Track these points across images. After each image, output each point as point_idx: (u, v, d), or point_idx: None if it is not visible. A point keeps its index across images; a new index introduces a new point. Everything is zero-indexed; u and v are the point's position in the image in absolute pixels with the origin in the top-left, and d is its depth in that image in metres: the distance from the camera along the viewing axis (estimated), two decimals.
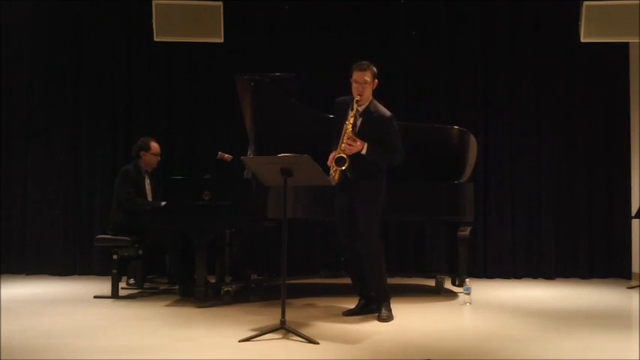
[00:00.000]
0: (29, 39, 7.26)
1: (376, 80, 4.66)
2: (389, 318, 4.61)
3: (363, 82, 4.57)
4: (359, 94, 4.55)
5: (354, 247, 4.74)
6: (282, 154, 4.12)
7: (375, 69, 4.64)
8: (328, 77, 6.81)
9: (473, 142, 5.91)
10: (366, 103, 4.64)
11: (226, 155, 5.85)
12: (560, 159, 7.14)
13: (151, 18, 6.44)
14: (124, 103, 7.21)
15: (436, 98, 7.22)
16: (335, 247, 6.93)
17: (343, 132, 4.52)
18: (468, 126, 6.12)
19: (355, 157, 4.49)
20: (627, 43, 7.01)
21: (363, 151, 4.51)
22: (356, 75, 4.60)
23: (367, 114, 4.63)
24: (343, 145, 4.49)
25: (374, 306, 4.78)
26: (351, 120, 4.54)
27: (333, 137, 4.69)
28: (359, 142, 4.50)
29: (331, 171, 4.51)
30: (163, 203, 5.32)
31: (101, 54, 7.22)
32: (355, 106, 4.55)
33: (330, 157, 4.55)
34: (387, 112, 4.66)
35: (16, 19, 7.23)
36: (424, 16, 7.22)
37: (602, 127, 7.15)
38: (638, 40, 6.58)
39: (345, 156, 4.47)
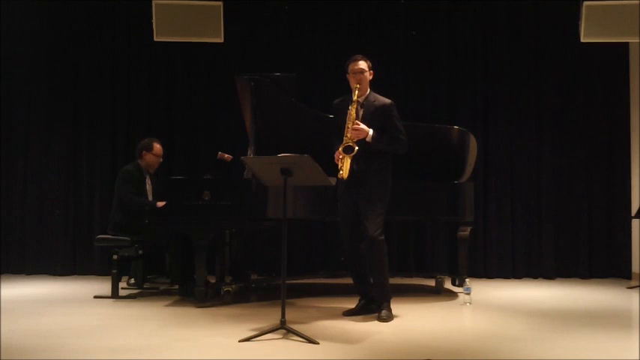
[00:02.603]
0: (29, 39, 7.26)
1: (372, 71, 4.69)
2: (389, 318, 4.60)
3: (360, 72, 4.62)
4: (358, 83, 4.58)
5: (357, 247, 4.74)
6: (282, 154, 4.11)
7: (369, 61, 4.69)
8: (328, 77, 6.83)
9: (473, 142, 5.91)
10: (365, 94, 4.67)
11: (226, 155, 5.85)
12: (560, 159, 7.14)
13: (151, 18, 6.44)
14: (124, 104, 7.21)
15: (436, 98, 7.22)
16: (335, 247, 6.99)
17: (347, 119, 4.52)
18: (467, 126, 6.12)
19: (362, 148, 4.46)
20: (627, 43, 7.01)
21: (368, 138, 4.50)
22: (352, 66, 4.66)
23: (367, 104, 4.66)
24: (349, 133, 4.49)
25: (374, 306, 4.78)
26: (355, 106, 4.55)
27: (334, 139, 4.69)
28: (364, 127, 4.50)
29: (339, 165, 4.48)
30: (161, 204, 5.33)
31: (101, 54, 7.22)
32: (355, 96, 4.55)
33: (336, 154, 4.53)
34: (387, 100, 4.69)
35: (16, 19, 7.24)
36: (424, 16, 7.23)
37: (602, 127, 7.15)
38: (638, 40, 6.58)
39: (352, 144, 4.46)
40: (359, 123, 4.51)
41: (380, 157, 4.63)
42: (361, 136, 4.49)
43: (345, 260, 4.89)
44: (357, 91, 4.57)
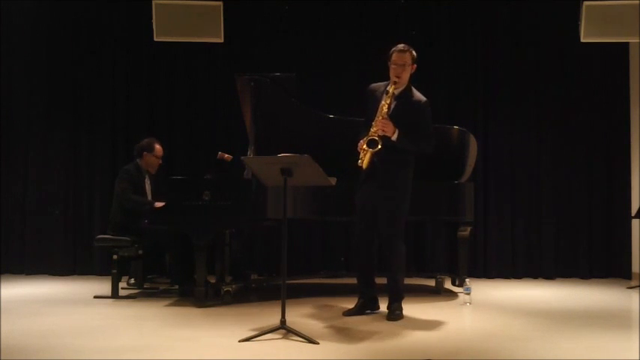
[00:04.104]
0: (29, 39, 7.25)
1: (415, 65, 4.61)
2: (398, 317, 4.58)
3: (402, 65, 4.54)
4: (397, 77, 4.51)
5: (370, 244, 4.69)
6: (282, 154, 4.12)
7: (414, 53, 4.60)
8: (328, 77, 6.83)
9: (473, 142, 5.91)
10: (403, 87, 4.60)
11: (226, 155, 5.85)
12: (560, 159, 7.14)
13: (151, 18, 6.44)
14: (123, 104, 7.21)
15: (436, 98, 7.19)
16: (335, 247, 6.99)
17: (378, 113, 4.47)
18: (467, 126, 6.11)
19: (386, 144, 4.41)
20: (627, 43, 7.01)
21: (394, 137, 4.45)
22: (396, 57, 4.56)
23: (403, 98, 4.58)
24: (375, 127, 4.43)
25: (375, 305, 4.78)
26: (387, 101, 4.50)
27: (362, 125, 4.62)
28: (392, 125, 4.44)
29: (361, 154, 4.45)
30: (161, 204, 5.33)
31: (101, 54, 7.22)
32: (392, 89, 4.51)
33: (360, 143, 4.48)
34: (423, 97, 4.63)
35: (17, 19, 7.23)
36: (424, 16, 7.22)
37: (602, 126, 7.15)
38: (638, 40, 6.59)
39: (377, 138, 4.41)
40: (388, 119, 4.45)
41: (402, 153, 4.57)
42: (386, 130, 4.42)
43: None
44: (394, 85, 4.51)
